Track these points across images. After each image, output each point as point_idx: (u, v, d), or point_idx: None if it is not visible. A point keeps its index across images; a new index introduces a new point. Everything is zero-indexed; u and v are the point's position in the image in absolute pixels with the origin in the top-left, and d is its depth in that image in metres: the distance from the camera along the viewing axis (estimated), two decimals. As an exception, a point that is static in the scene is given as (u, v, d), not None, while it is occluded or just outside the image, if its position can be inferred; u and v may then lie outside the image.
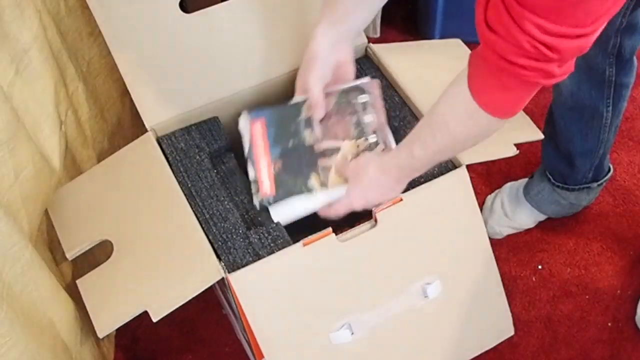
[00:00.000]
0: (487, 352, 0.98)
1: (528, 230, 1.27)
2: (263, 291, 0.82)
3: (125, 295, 0.82)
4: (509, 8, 0.61)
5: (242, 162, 0.93)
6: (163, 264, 0.83)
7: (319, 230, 0.82)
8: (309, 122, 0.92)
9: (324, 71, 0.90)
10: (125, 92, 1.08)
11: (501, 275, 0.95)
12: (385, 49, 1.03)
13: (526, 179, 1.28)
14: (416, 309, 0.89)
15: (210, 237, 0.84)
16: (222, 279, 0.80)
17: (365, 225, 0.85)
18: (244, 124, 0.93)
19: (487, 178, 1.35)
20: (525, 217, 1.25)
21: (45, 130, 0.91)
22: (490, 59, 0.67)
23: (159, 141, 0.94)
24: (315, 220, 0.88)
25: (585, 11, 0.60)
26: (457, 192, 0.90)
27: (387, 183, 0.85)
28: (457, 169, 0.89)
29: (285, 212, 0.88)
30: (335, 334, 0.86)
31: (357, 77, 0.95)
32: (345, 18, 0.89)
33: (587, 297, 1.19)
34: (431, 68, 1.01)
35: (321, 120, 0.93)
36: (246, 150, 0.92)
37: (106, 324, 0.81)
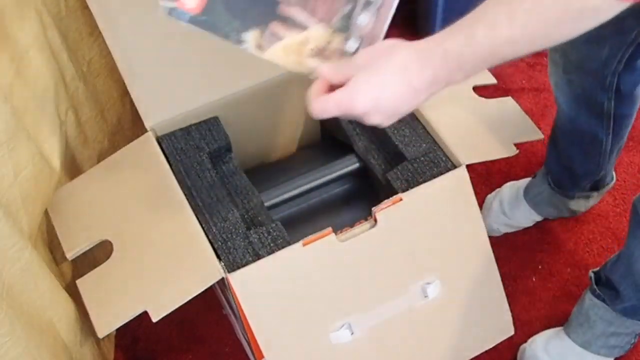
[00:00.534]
0: (487, 352, 0.98)
1: (527, 230, 1.27)
2: (263, 291, 0.82)
3: (125, 295, 0.82)
4: None
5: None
6: (163, 264, 0.83)
7: (319, 229, 0.83)
8: None
9: None
10: (125, 92, 1.08)
11: (501, 275, 0.95)
12: (385, 49, 1.03)
13: (528, 179, 1.27)
14: (416, 308, 0.89)
15: (210, 237, 0.84)
16: (222, 279, 0.80)
17: (365, 225, 0.85)
18: None
19: (487, 178, 1.35)
20: (523, 217, 1.25)
21: (45, 130, 0.91)
22: None
23: (159, 141, 0.94)
24: (315, 220, 0.88)
25: None
26: (457, 192, 0.90)
27: (417, 82, 0.61)
28: (457, 169, 0.89)
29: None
30: (335, 334, 0.86)
31: None
32: None
33: (587, 297, 1.19)
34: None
35: None
36: None
37: (106, 324, 0.81)
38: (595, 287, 1.05)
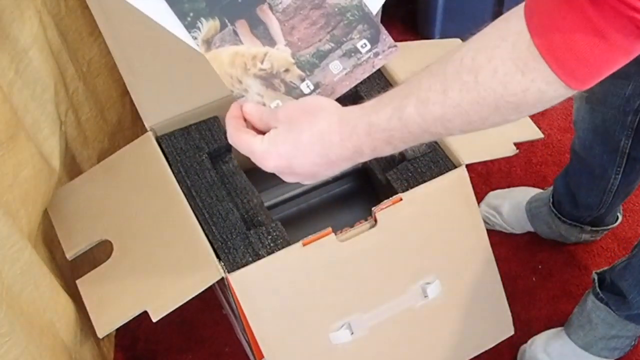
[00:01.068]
0: (487, 352, 0.98)
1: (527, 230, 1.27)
2: (263, 291, 0.82)
3: (125, 295, 0.82)
4: None
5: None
6: (163, 264, 0.83)
7: (319, 229, 0.82)
8: None
9: None
10: (125, 92, 1.08)
11: (501, 275, 0.95)
12: (385, 48, 1.03)
13: (541, 191, 1.26)
14: (416, 308, 0.89)
15: (210, 237, 0.84)
16: (222, 278, 0.80)
17: (365, 225, 0.85)
18: None
19: (487, 178, 1.35)
20: (516, 222, 1.25)
21: (45, 130, 0.91)
22: None
23: (159, 141, 0.94)
24: (315, 220, 0.88)
25: None
26: (457, 192, 0.90)
27: (335, 155, 0.57)
28: (457, 169, 0.89)
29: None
30: (335, 333, 0.86)
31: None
32: None
33: (587, 297, 1.19)
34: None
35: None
36: None
37: (106, 324, 0.81)
38: (598, 290, 1.05)
